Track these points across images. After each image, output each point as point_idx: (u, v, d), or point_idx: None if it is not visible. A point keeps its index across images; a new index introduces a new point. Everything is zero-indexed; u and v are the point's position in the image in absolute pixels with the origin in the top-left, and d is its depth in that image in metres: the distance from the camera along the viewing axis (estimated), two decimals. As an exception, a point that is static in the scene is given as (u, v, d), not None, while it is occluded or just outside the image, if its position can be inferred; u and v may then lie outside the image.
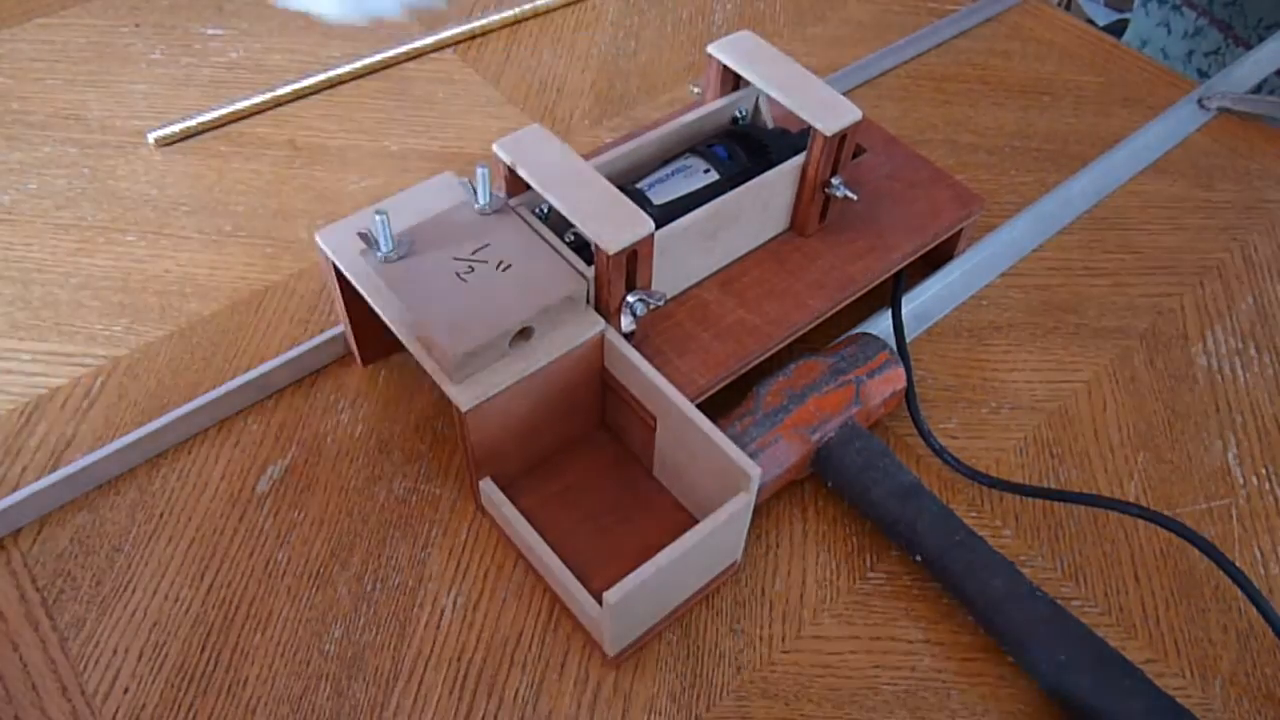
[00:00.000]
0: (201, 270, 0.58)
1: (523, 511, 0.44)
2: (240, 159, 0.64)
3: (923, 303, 0.57)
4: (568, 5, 0.78)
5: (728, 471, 0.41)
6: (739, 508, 0.41)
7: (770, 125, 0.55)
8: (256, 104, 0.67)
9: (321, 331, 0.54)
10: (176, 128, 0.65)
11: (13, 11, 0.74)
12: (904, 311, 0.56)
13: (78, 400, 0.51)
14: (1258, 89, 0.76)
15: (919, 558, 0.45)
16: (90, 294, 0.56)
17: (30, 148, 0.64)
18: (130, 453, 0.48)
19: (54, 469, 0.48)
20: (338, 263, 0.46)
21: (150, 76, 0.70)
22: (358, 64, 0.70)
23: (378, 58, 0.71)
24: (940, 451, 0.49)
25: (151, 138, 0.64)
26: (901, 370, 0.50)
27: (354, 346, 0.52)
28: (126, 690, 0.42)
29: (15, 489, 0.47)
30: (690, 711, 0.42)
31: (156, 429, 0.49)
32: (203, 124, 0.66)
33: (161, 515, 0.47)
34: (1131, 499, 0.50)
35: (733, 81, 0.54)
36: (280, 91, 0.68)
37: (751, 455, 0.45)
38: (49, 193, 0.62)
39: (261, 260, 0.59)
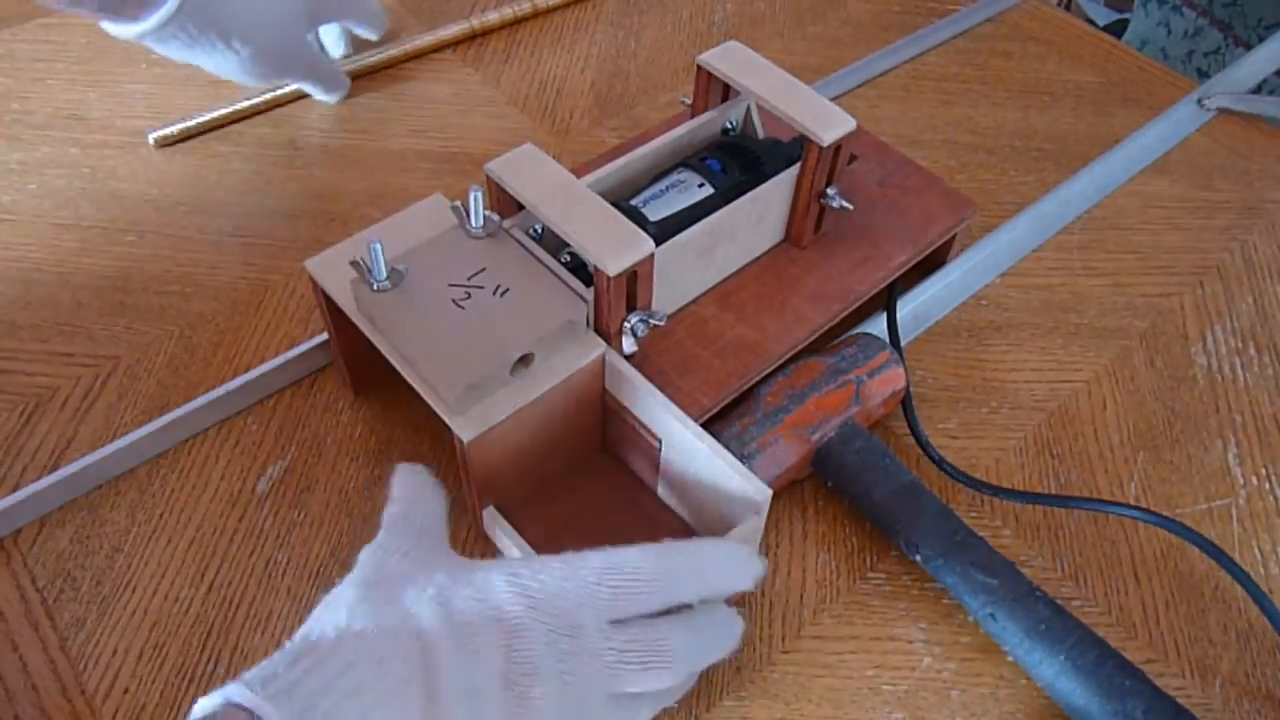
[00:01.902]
0: (201, 270, 0.58)
1: (527, 540, 0.43)
2: (240, 159, 0.64)
3: (922, 303, 0.57)
4: (568, 5, 0.78)
5: (736, 493, 0.41)
6: (750, 531, 0.41)
7: (761, 135, 0.54)
8: (256, 104, 0.67)
9: (322, 331, 0.54)
10: (176, 128, 0.65)
11: (13, 11, 0.74)
12: (904, 312, 0.56)
13: (78, 400, 0.51)
14: (1258, 89, 0.76)
15: (919, 558, 0.45)
16: (90, 294, 0.56)
17: (30, 148, 0.64)
18: (130, 453, 0.48)
19: (54, 469, 0.48)
20: (330, 293, 0.44)
21: (150, 76, 0.70)
22: (358, 64, 0.70)
23: (378, 58, 0.71)
24: (939, 462, 0.49)
25: (152, 138, 0.64)
26: (901, 370, 0.50)
27: (346, 376, 0.51)
28: (126, 690, 0.42)
29: (15, 489, 0.47)
30: (690, 711, 0.42)
31: (156, 429, 0.49)
32: (203, 124, 0.66)
33: (161, 515, 0.47)
34: (1131, 499, 0.50)
35: (722, 91, 0.53)
36: (280, 91, 0.68)
37: (752, 455, 0.45)
38: (49, 193, 0.62)
39: (261, 260, 0.59)
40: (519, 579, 0.34)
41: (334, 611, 0.33)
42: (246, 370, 0.52)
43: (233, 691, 0.30)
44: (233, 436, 0.50)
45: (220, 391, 0.50)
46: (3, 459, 0.49)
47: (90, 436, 0.50)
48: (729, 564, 0.37)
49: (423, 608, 0.33)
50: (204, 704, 0.30)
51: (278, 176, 0.63)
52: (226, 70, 0.60)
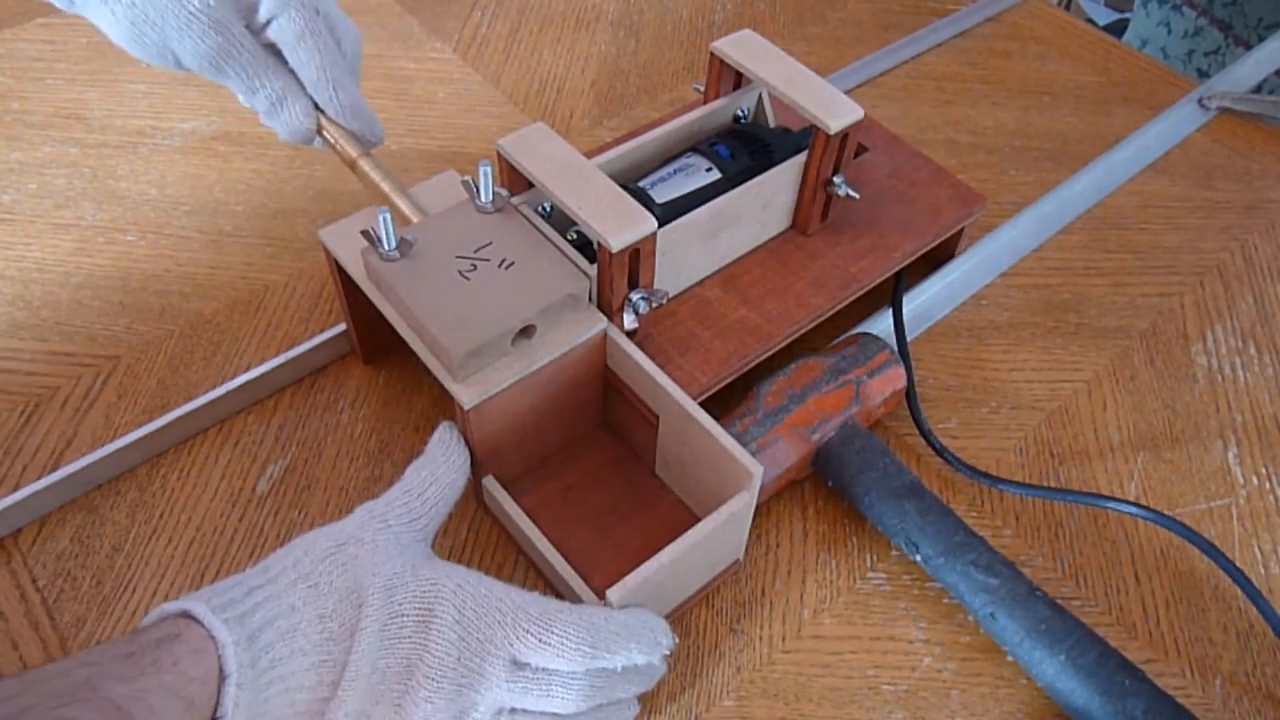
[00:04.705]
0: (201, 270, 0.58)
1: (525, 510, 0.44)
2: (240, 159, 0.64)
3: (923, 302, 0.57)
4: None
5: (730, 469, 0.42)
6: (741, 506, 0.41)
7: (772, 124, 0.55)
8: (256, 104, 0.67)
9: (321, 331, 0.54)
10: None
11: (13, 11, 0.74)
12: (905, 311, 0.56)
13: (78, 400, 0.51)
14: (1258, 89, 0.76)
15: (919, 558, 0.45)
16: (90, 294, 0.56)
17: (30, 148, 0.64)
18: (130, 453, 0.48)
19: (54, 469, 0.48)
20: (341, 260, 0.46)
21: (150, 76, 0.70)
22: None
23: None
24: (942, 450, 0.49)
25: None
26: (901, 370, 0.50)
27: (356, 344, 0.52)
28: (126, 690, 0.42)
29: (15, 489, 0.47)
30: (690, 711, 0.42)
31: (156, 429, 0.49)
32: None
33: (161, 515, 0.47)
34: (1132, 499, 0.50)
35: (734, 80, 0.54)
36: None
37: (752, 455, 0.45)
38: (49, 193, 0.62)
39: (261, 260, 0.59)
40: (462, 591, 0.37)
41: (300, 557, 0.37)
42: (246, 370, 0.52)
43: (196, 607, 0.33)
44: (233, 436, 0.50)
45: (220, 391, 0.50)
46: (3, 459, 0.49)
47: (90, 436, 0.50)
48: (643, 633, 0.39)
49: (373, 584, 0.36)
50: (167, 608, 0.34)
51: (278, 176, 0.63)
52: (113, 36, 0.47)
